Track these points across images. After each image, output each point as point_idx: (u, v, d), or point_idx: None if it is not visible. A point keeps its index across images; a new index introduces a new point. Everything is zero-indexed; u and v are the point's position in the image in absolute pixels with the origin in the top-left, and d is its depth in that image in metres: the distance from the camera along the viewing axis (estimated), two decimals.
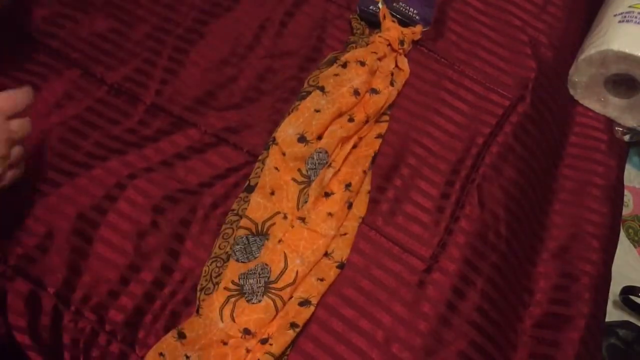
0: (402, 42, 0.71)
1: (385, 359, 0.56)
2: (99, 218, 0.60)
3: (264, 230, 0.60)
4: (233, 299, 0.56)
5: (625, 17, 0.73)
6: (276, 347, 0.54)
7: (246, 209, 0.60)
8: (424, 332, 0.58)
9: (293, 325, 0.55)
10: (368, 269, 0.60)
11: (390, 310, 0.58)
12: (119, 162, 0.63)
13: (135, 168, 0.63)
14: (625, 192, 0.80)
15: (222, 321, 0.55)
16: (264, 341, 0.55)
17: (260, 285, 0.57)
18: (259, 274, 0.57)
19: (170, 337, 0.55)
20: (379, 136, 0.67)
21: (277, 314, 0.56)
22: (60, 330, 0.56)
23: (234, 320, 0.55)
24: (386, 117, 0.68)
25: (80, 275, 0.58)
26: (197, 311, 0.56)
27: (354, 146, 0.65)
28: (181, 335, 0.55)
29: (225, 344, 0.54)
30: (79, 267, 0.59)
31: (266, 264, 0.58)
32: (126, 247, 0.59)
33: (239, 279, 0.57)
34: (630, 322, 0.80)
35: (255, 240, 0.59)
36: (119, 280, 0.58)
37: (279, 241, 0.59)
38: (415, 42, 0.74)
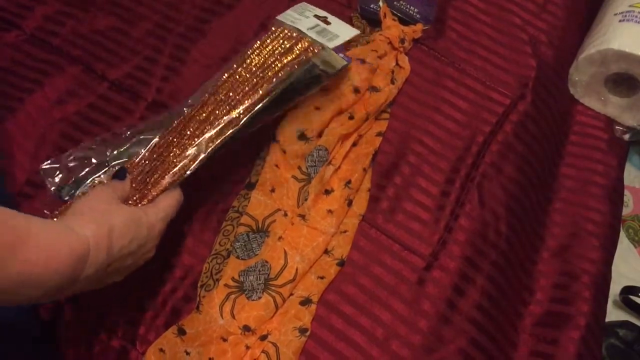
0: (402, 41, 0.71)
1: (385, 356, 0.56)
2: None
3: (265, 227, 0.60)
4: (233, 296, 0.56)
5: (625, 16, 0.73)
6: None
7: (247, 206, 0.60)
8: (424, 330, 0.58)
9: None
10: (368, 266, 0.60)
11: (390, 308, 0.58)
12: None
13: None
14: (625, 192, 0.80)
15: (222, 318, 0.55)
16: (263, 338, 0.55)
17: (260, 282, 0.57)
18: (259, 271, 0.57)
19: (170, 333, 0.55)
20: (379, 134, 0.67)
21: (277, 310, 0.56)
22: (62, 326, 0.57)
23: (234, 317, 0.55)
24: (386, 115, 0.68)
25: None
26: (198, 308, 0.56)
27: (354, 144, 0.65)
28: (181, 332, 0.55)
29: (225, 340, 0.55)
30: None
31: (266, 261, 0.58)
32: None
33: (239, 276, 0.57)
34: (630, 322, 0.79)
35: (255, 238, 0.59)
36: None
37: (279, 238, 0.59)
38: (415, 41, 0.74)
